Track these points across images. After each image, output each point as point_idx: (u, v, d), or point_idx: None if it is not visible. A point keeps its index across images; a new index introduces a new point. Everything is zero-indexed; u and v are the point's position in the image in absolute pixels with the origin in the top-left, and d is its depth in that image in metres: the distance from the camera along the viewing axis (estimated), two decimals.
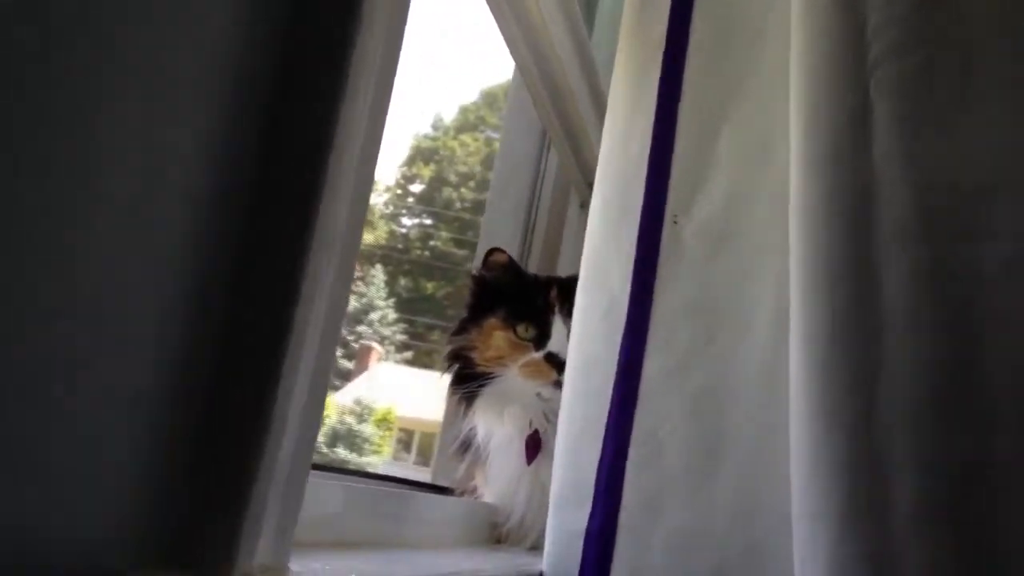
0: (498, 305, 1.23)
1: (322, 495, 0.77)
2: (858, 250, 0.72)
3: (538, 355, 1.17)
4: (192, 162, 0.42)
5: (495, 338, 1.21)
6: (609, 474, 0.91)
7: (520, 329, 1.19)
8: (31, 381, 0.34)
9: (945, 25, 0.75)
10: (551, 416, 1.16)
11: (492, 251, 1.27)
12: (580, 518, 0.91)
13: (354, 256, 0.53)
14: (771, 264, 0.89)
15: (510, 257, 1.27)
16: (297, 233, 0.45)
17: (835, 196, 0.74)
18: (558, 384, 1.12)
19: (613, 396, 0.92)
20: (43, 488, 0.36)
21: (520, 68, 1.37)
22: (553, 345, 1.16)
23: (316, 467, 0.63)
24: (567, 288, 1.16)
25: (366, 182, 0.52)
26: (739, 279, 0.92)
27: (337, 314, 0.51)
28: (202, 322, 0.43)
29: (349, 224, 0.50)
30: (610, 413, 0.92)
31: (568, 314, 1.15)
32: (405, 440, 12.68)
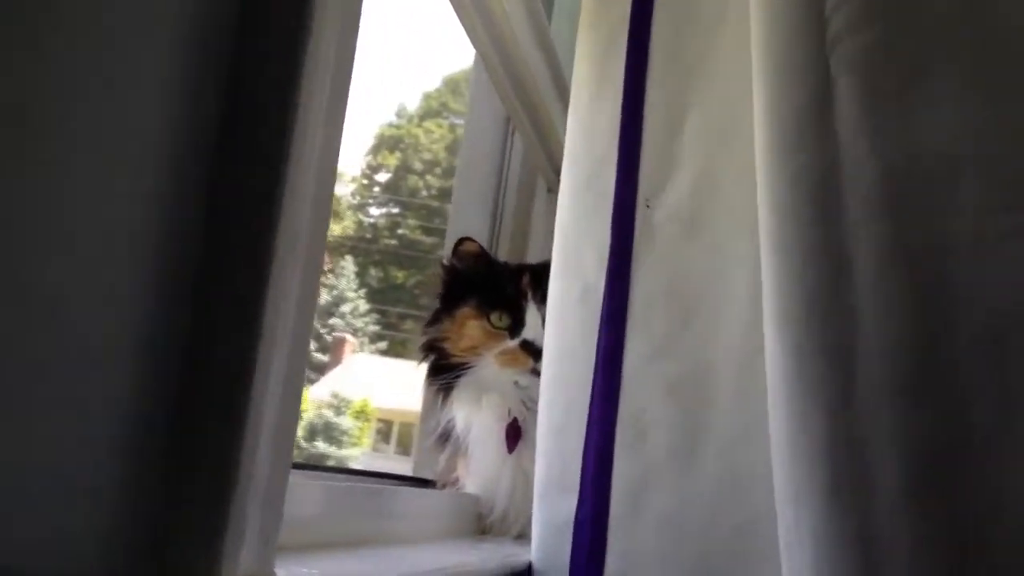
0: (470, 294, 1.23)
1: (302, 496, 0.76)
2: (827, 230, 0.71)
3: (513, 343, 1.17)
4: (150, 158, 0.41)
5: (469, 327, 1.21)
6: (596, 462, 0.91)
7: (494, 318, 1.19)
8: None
9: (905, 1, 0.75)
10: (530, 404, 1.16)
11: (462, 240, 1.27)
12: (567, 507, 0.92)
13: (321, 249, 0.52)
14: (744, 245, 0.89)
15: (480, 246, 1.26)
16: (262, 230, 0.44)
17: (801, 176, 0.74)
18: (535, 372, 1.12)
19: (595, 384, 0.92)
20: (14, 493, 0.35)
21: (481, 56, 1.36)
22: (528, 332, 1.16)
23: (296, 465, 0.62)
24: (539, 275, 1.16)
25: (329, 170, 0.52)
26: (713, 262, 0.93)
27: (307, 310, 0.50)
28: (169, 325, 0.43)
29: (314, 216, 0.50)
30: (592, 401, 0.92)
31: (541, 301, 1.15)
32: (384, 431, 12.66)
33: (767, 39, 0.79)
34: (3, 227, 0.33)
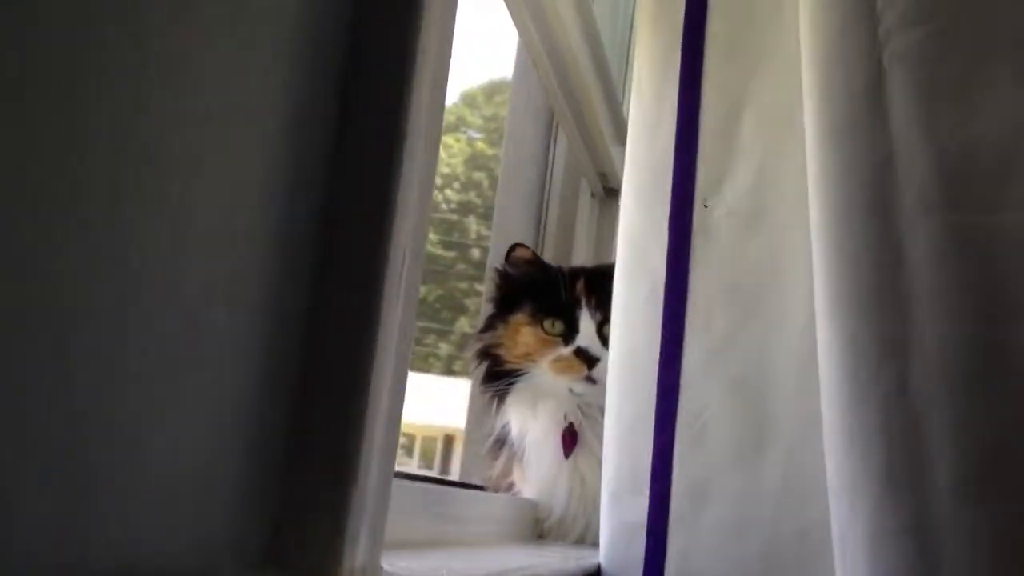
0: (524, 300, 1.22)
1: None
2: (880, 221, 0.71)
3: (567, 350, 1.15)
4: (272, 164, 0.41)
5: (523, 334, 1.20)
6: (659, 461, 0.90)
7: (547, 325, 1.18)
8: (132, 385, 0.33)
9: None
10: (586, 408, 1.15)
11: (514, 247, 1.26)
12: (638, 508, 0.91)
13: (421, 257, 0.52)
14: (803, 241, 0.88)
15: (533, 252, 1.26)
16: (376, 240, 0.44)
17: (854, 168, 0.73)
18: (589, 379, 1.12)
19: (658, 383, 0.92)
20: (146, 492, 0.34)
21: (528, 47, 1.35)
22: (582, 340, 1.15)
23: None
24: (594, 279, 1.15)
25: (428, 184, 0.51)
26: (772, 259, 0.92)
27: (410, 315, 0.50)
28: (289, 328, 0.42)
29: (418, 215, 0.49)
30: (656, 400, 0.91)
31: (596, 306, 1.15)
32: (407, 445, 12.67)
33: (818, 32, 0.79)
34: (142, 232, 0.33)
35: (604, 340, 1.13)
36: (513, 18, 1.24)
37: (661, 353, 0.93)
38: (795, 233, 0.90)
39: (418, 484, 0.94)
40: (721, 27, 0.99)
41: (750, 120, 0.96)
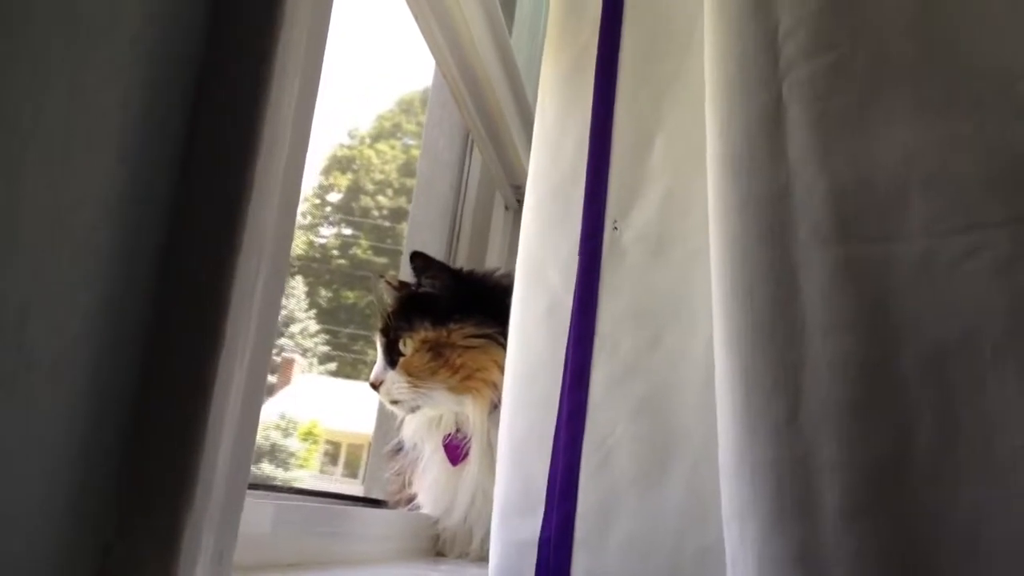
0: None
1: (252, 515, 0.74)
2: (775, 253, 0.72)
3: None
4: (110, 164, 0.39)
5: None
6: (563, 482, 0.90)
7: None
8: None
9: (855, 26, 0.76)
10: (462, 421, 1.16)
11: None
12: (531, 527, 0.90)
13: (286, 262, 0.50)
14: (709, 268, 0.89)
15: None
16: (225, 239, 0.42)
17: (751, 199, 0.74)
18: (391, 402, 1.18)
19: (562, 405, 0.91)
20: None
21: (440, 66, 1.35)
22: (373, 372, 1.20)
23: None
24: (403, 300, 1.20)
25: (295, 180, 0.50)
26: (680, 283, 0.92)
27: (269, 325, 0.48)
28: (125, 336, 0.40)
29: (278, 226, 0.48)
30: (559, 422, 0.91)
31: (383, 331, 1.20)
32: (332, 453, 12.53)
33: (720, 60, 0.80)
34: None
35: (393, 361, 1.18)
36: (425, 38, 1.23)
37: (567, 373, 0.93)
38: (702, 260, 0.90)
39: (305, 501, 0.92)
40: (636, 49, 0.99)
41: (661, 144, 0.97)
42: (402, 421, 1.20)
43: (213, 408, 0.41)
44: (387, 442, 1.27)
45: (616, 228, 0.94)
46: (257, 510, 0.76)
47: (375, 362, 1.21)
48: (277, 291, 0.49)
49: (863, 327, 0.69)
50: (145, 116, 0.41)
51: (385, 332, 1.19)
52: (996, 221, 0.70)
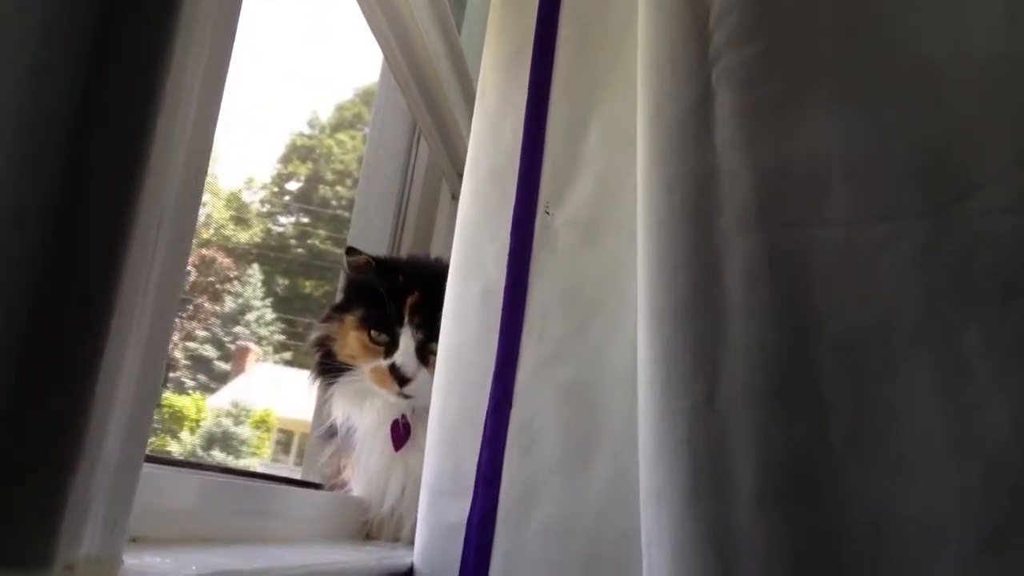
0: (358, 304, 1.20)
1: (174, 488, 0.73)
2: (700, 237, 0.73)
3: (384, 363, 1.15)
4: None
5: (352, 336, 1.19)
6: (489, 466, 0.90)
7: (374, 334, 1.17)
8: None
9: (782, 17, 0.77)
10: (416, 406, 1.15)
11: (349, 250, 1.24)
12: (460, 510, 0.90)
13: (191, 231, 0.50)
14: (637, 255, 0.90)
15: (367, 258, 1.21)
16: (119, 207, 0.42)
17: (678, 183, 0.75)
18: (402, 395, 1.13)
19: (492, 390, 0.92)
20: None
21: (388, 60, 1.35)
22: (399, 357, 1.14)
23: (178, 463, 0.60)
24: (428, 296, 1.14)
25: (202, 152, 0.50)
26: (608, 270, 0.93)
27: (170, 294, 0.48)
28: (16, 291, 0.40)
29: (182, 193, 0.48)
30: (489, 406, 0.91)
31: (420, 325, 1.14)
32: (284, 441, 12.44)
33: (652, 47, 0.81)
34: None
35: (425, 359, 1.13)
36: (371, 28, 1.23)
37: (497, 359, 0.93)
38: (631, 246, 0.91)
39: (232, 479, 0.92)
40: (572, 36, 1.00)
41: (596, 131, 0.97)
42: (330, 402, 1.19)
43: (104, 370, 0.41)
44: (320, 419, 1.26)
45: (548, 213, 0.95)
46: (181, 485, 0.75)
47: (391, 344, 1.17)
48: (181, 256, 0.49)
49: (782, 312, 0.70)
50: (33, 92, 0.41)
51: (418, 326, 1.15)
52: (914, 211, 0.71)
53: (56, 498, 0.40)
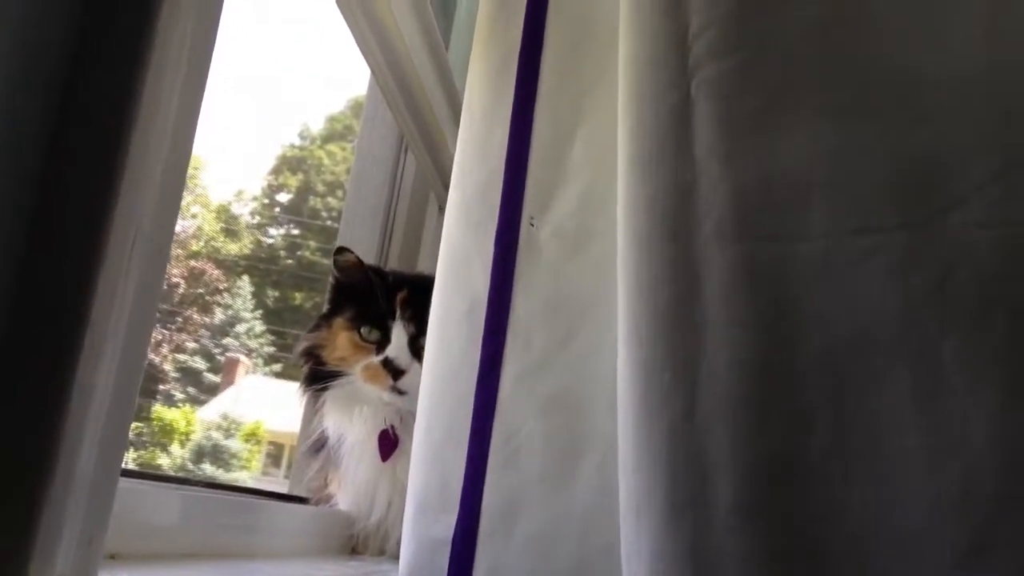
0: (347, 305, 1.21)
1: (156, 504, 0.73)
2: (679, 250, 0.73)
3: (377, 359, 1.15)
4: None
5: (341, 338, 1.19)
6: (471, 478, 0.90)
7: (364, 331, 1.18)
8: None
9: (765, 29, 0.77)
10: (404, 415, 1.15)
11: (339, 250, 1.24)
12: (446, 525, 0.90)
13: (168, 241, 0.50)
14: None
15: (357, 257, 1.23)
16: (93, 219, 0.41)
17: (657, 197, 0.75)
18: (395, 390, 1.13)
19: (475, 401, 0.91)
20: None
21: (374, 73, 1.35)
22: (391, 350, 1.14)
23: (161, 478, 0.59)
24: (417, 291, 1.14)
25: (180, 163, 0.49)
26: (596, 280, 0.92)
27: (147, 305, 0.48)
28: None
29: (160, 205, 0.47)
30: (472, 417, 0.91)
31: (411, 318, 1.15)
32: (274, 454, 12.39)
33: (633, 59, 0.81)
34: None
35: (417, 353, 1.13)
36: (359, 44, 1.23)
37: (479, 370, 0.93)
38: (616, 258, 0.91)
39: (215, 494, 0.91)
40: (558, 48, 1.00)
41: (581, 143, 0.97)
42: (322, 413, 1.18)
43: (77, 385, 0.40)
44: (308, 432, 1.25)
45: (533, 224, 0.95)
46: (163, 500, 0.75)
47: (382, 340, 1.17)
48: (157, 270, 0.49)
49: (761, 325, 0.70)
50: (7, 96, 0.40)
51: (410, 319, 1.16)
52: (892, 225, 0.71)
53: (28, 516, 0.39)
